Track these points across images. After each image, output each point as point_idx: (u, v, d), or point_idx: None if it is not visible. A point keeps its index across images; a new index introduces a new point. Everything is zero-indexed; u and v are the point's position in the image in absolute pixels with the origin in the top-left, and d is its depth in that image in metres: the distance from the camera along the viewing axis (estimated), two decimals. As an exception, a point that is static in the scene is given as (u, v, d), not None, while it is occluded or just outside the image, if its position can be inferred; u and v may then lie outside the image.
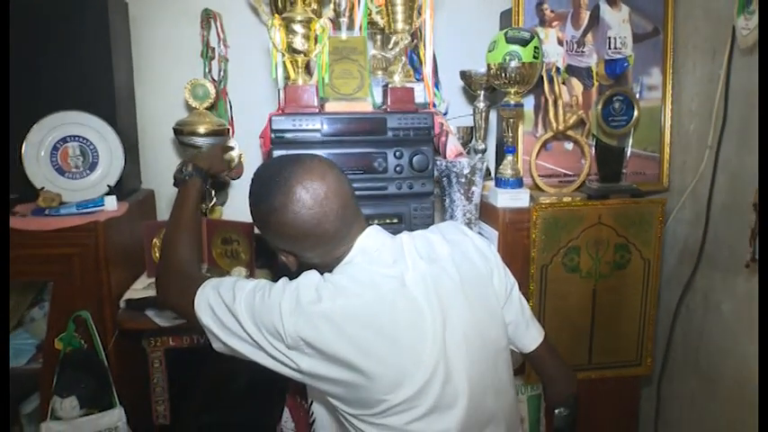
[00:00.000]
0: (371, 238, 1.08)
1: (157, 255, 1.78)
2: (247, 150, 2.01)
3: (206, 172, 1.38)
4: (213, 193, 1.88)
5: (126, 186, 1.77)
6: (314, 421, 1.17)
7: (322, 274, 1.05)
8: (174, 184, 1.38)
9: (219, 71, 2.00)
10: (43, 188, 1.66)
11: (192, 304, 1.06)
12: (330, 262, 1.08)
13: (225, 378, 1.95)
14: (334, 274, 1.05)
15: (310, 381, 1.02)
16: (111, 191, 1.69)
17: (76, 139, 1.69)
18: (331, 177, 1.06)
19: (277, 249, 1.12)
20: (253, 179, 1.12)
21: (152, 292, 1.64)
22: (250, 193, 1.10)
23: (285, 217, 1.02)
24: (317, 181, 1.03)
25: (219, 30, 1.97)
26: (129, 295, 1.64)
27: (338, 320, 0.97)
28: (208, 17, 1.95)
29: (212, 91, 1.80)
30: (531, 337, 1.26)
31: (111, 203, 1.64)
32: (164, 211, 2.05)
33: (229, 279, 1.08)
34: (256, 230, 1.75)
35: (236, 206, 2.01)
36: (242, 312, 1.00)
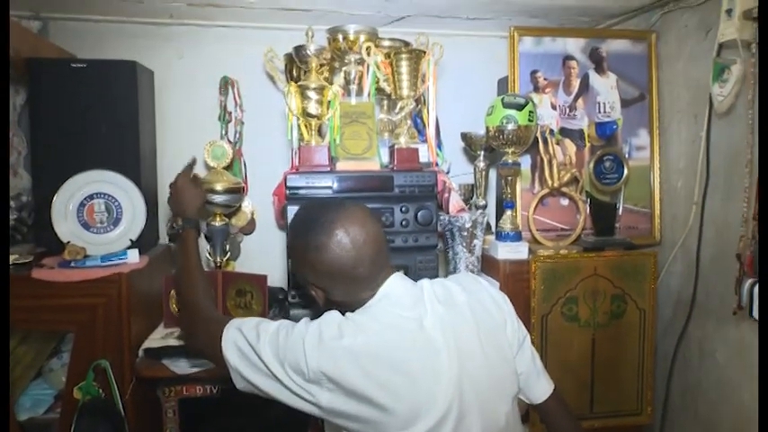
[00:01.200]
0: (395, 284, 1.14)
1: (174, 307, 1.86)
2: (260, 207, 2.13)
3: (193, 218, 1.49)
4: (227, 247, 1.97)
5: (146, 241, 1.86)
6: None
7: (344, 313, 1.11)
8: (170, 241, 1.50)
9: (235, 133, 2.13)
10: (69, 242, 1.75)
11: (219, 345, 1.13)
12: (355, 302, 1.14)
13: (237, 429, 1.98)
14: (356, 313, 1.11)
15: (328, 416, 1.06)
16: (133, 245, 1.78)
17: (102, 196, 1.79)
18: (370, 225, 1.14)
19: (308, 283, 1.19)
20: (296, 216, 1.23)
21: (170, 342, 1.71)
22: (291, 227, 1.21)
23: (323, 256, 1.10)
24: (357, 226, 1.11)
25: (236, 95, 2.12)
26: (147, 344, 1.69)
27: (359, 356, 1.03)
28: (226, 84, 2.10)
29: (229, 151, 1.93)
30: (542, 388, 1.27)
31: (134, 256, 1.72)
32: (179, 265, 2.13)
33: (252, 320, 1.15)
34: (270, 282, 1.84)
35: (250, 260, 2.10)
36: (266, 350, 1.06)
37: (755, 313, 1.53)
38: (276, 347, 1.07)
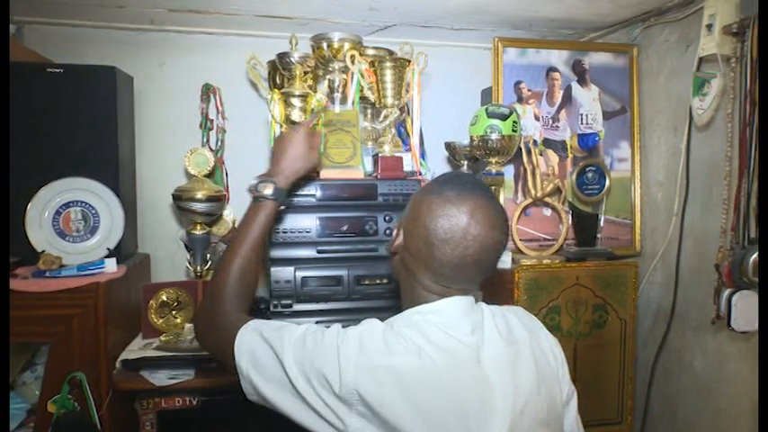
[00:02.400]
0: (459, 304, 0.98)
1: (153, 318, 1.82)
2: (241, 216, 2.09)
3: (286, 191, 1.27)
4: (208, 256, 1.94)
5: (124, 250, 1.82)
6: None
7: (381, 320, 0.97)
8: (249, 192, 1.26)
9: (217, 141, 2.10)
10: (44, 251, 1.70)
11: (231, 346, 0.98)
12: (413, 290, 1.00)
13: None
14: (404, 326, 0.95)
15: None
16: (111, 254, 1.74)
17: (79, 204, 1.75)
18: (497, 232, 0.97)
19: (401, 226, 1.03)
20: (445, 177, 1.04)
21: (148, 353, 1.68)
22: (435, 181, 1.03)
23: (438, 209, 0.95)
24: (487, 221, 0.95)
25: (219, 103, 2.10)
26: (125, 355, 1.66)
27: (406, 381, 0.87)
28: (208, 91, 2.07)
29: (210, 159, 1.90)
30: None
31: (111, 266, 1.68)
32: (159, 275, 2.10)
33: (275, 322, 1.01)
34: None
35: (230, 269, 2.07)
36: (288, 357, 0.91)
37: (733, 323, 1.55)
38: (302, 355, 0.91)
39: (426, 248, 0.95)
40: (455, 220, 0.93)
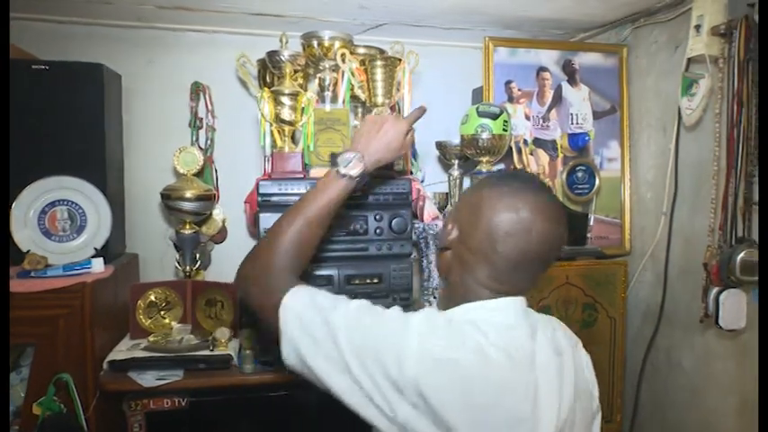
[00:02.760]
0: (517, 306, 0.96)
1: (141, 318, 1.80)
2: (232, 215, 2.09)
3: (368, 167, 1.15)
4: (197, 256, 1.93)
5: (111, 250, 1.80)
6: None
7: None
8: (332, 164, 1.18)
9: (207, 140, 2.09)
10: (29, 251, 1.68)
11: (277, 305, 0.93)
12: (467, 286, 0.96)
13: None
14: (464, 321, 0.92)
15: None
16: (98, 253, 1.72)
17: (65, 203, 1.73)
18: (560, 229, 0.95)
19: (455, 221, 0.99)
20: (504, 173, 1.05)
21: (136, 353, 1.66)
22: (494, 177, 1.02)
23: (499, 202, 0.93)
24: (550, 216, 0.93)
25: (208, 101, 2.08)
26: (112, 356, 1.64)
27: (465, 377, 0.84)
28: (197, 89, 2.05)
29: (200, 158, 1.89)
30: None
31: (98, 265, 1.66)
32: (147, 275, 2.08)
33: (326, 292, 0.97)
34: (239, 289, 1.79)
35: (220, 268, 2.05)
36: (342, 333, 0.87)
37: (721, 321, 1.56)
38: (358, 333, 0.87)
39: (489, 243, 0.93)
40: (520, 215, 0.91)
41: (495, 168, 1.84)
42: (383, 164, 1.21)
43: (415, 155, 1.99)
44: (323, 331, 0.89)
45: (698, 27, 1.64)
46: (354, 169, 1.12)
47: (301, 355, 0.91)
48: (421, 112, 1.32)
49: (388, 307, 0.97)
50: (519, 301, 0.96)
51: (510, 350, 0.89)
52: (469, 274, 0.96)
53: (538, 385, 0.89)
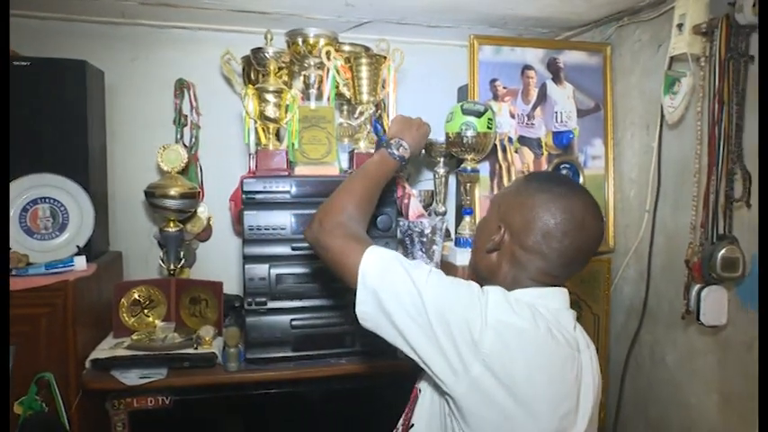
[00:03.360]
0: (564, 295, 1.04)
1: (124, 316, 1.79)
2: (217, 213, 2.08)
3: (410, 148, 1.33)
4: (182, 254, 1.92)
5: (94, 248, 1.79)
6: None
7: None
8: (383, 146, 1.31)
9: (191, 137, 2.08)
10: (11, 249, 1.66)
11: (359, 254, 0.98)
12: (516, 280, 1.03)
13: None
14: (523, 303, 0.97)
15: (467, 396, 0.91)
16: (81, 251, 1.71)
17: (48, 200, 1.72)
18: (602, 225, 1.06)
19: (502, 222, 1.05)
20: (546, 175, 1.20)
21: (119, 352, 1.65)
22: (537, 180, 1.08)
23: (555, 204, 1.00)
24: (598, 219, 1.04)
25: (193, 98, 2.07)
26: (95, 355, 1.62)
27: (538, 348, 0.92)
28: (182, 86, 2.04)
29: (184, 156, 1.88)
30: None
31: (81, 263, 1.65)
32: (131, 273, 2.06)
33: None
34: (226, 290, 1.78)
35: (204, 267, 2.05)
36: (425, 286, 0.93)
37: (702, 317, 1.58)
38: (443, 293, 0.93)
39: (546, 241, 1.00)
40: (575, 215, 1.00)
41: (479, 166, 1.85)
42: (412, 141, 1.35)
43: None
44: (407, 286, 0.93)
45: (680, 26, 1.65)
46: (406, 153, 1.31)
47: (384, 308, 0.94)
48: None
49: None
50: (565, 291, 1.05)
51: (563, 333, 0.96)
52: (521, 270, 1.03)
53: (582, 369, 0.97)
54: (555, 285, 1.03)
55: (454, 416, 0.94)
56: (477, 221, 1.16)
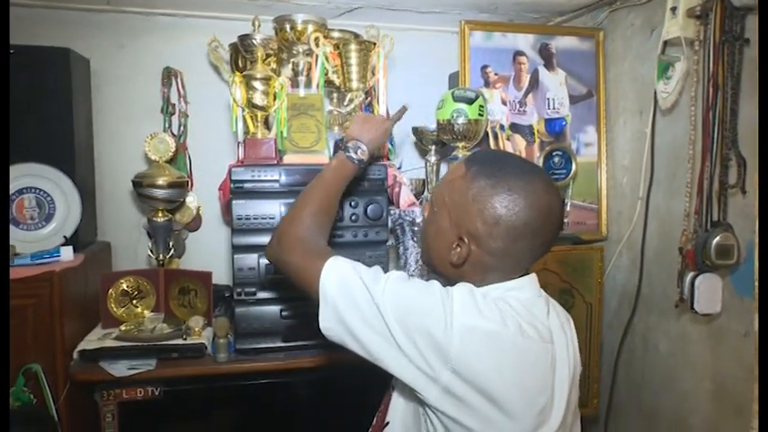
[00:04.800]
0: (534, 282, 0.99)
1: (113, 307, 1.78)
2: (206, 203, 2.06)
3: (368, 148, 1.28)
4: (171, 244, 1.90)
5: (82, 238, 1.77)
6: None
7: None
8: (341, 149, 1.27)
9: (179, 126, 2.05)
10: (-4, 240, 1.64)
11: (318, 269, 0.95)
12: (486, 279, 0.97)
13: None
14: (494, 297, 0.93)
15: (443, 400, 0.88)
16: (68, 242, 1.69)
17: (33, 190, 1.69)
18: (561, 205, 1.00)
19: (464, 236, 0.95)
20: (486, 153, 1.05)
21: (107, 343, 1.63)
22: (477, 161, 0.99)
23: (516, 201, 0.91)
24: (559, 198, 0.98)
25: (180, 87, 2.04)
26: (83, 346, 1.61)
27: (505, 348, 0.87)
28: (169, 75, 2.01)
29: (172, 145, 1.85)
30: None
31: (67, 254, 1.63)
32: (119, 264, 2.05)
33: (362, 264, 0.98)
34: (215, 280, 1.76)
35: (193, 257, 2.03)
36: (385, 297, 0.89)
37: (696, 305, 1.57)
38: (402, 302, 0.89)
39: (516, 243, 0.93)
40: (540, 207, 0.92)
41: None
42: (370, 140, 1.31)
43: (390, 140, 1.97)
44: (365, 298, 0.90)
45: (674, 9, 1.63)
46: (361, 155, 1.26)
47: (344, 321, 0.92)
48: (402, 111, 1.47)
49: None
50: (534, 278, 1.00)
51: (536, 325, 0.92)
52: (491, 272, 0.97)
53: (555, 358, 0.93)
54: (525, 275, 0.99)
55: (429, 418, 0.92)
56: (424, 220, 1.08)
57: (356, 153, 1.25)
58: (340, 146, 1.30)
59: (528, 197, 0.92)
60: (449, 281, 1.00)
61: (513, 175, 0.94)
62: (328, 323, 0.94)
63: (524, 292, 0.97)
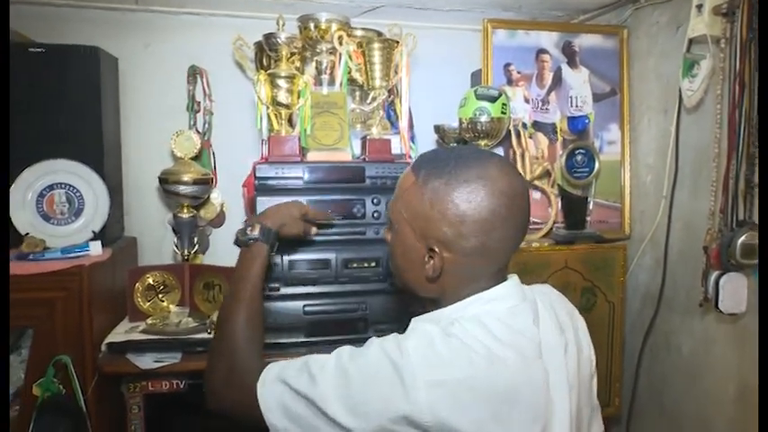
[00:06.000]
0: (515, 287, 0.92)
1: (139, 301, 1.81)
2: (229, 200, 2.08)
3: (275, 234, 1.20)
4: (195, 240, 1.92)
5: (109, 233, 1.80)
6: None
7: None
8: (236, 243, 1.20)
9: (204, 124, 2.08)
10: (28, 234, 1.68)
11: (255, 402, 0.88)
12: (461, 289, 0.90)
13: (204, 426, 1.94)
14: (464, 324, 0.84)
15: None
16: (96, 237, 1.72)
17: (63, 186, 1.73)
18: (525, 182, 0.93)
19: (436, 246, 0.88)
20: (430, 152, 0.97)
21: (134, 336, 1.67)
22: (423, 162, 0.92)
23: (473, 195, 0.84)
24: (525, 185, 0.91)
25: (205, 85, 2.07)
26: (110, 339, 1.64)
27: (482, 392, 0.79)
28: (194, 73, 2.04)
29: (197, 142, 1.88)
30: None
31: (96, 248, 1.66)
32: (145, 259, 2.08)
33: (296, 362, 0.89)
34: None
35: (219, 253, 2.06)
36: (333, 404, 0.81)
37: (721, 305, 1.55)
38: (345, 389, 0.81)
39: (487, 237, 0.86)
40: (501, 193, 0.85)
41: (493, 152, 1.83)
42: (288, 229, 1.27)
43: (413, 138, 1.98)
44: (311, 412, 0.83)
45: (699, 6, 1.61)
46: (253, 231, 1.17)
47: None
48: (323, 215, 1.49)
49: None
50: (514, 283, 0.92)
51: (519, 344, 0.84)
52: (472, 275, 0.90)
53: (547, 374, 0.85)
54: (503, 279, 0.91)
55: None
56: (388, 245, 1.00)
57: (250, 231, 1.17)
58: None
59: (486, 184, 0.85)
60: (434, 303, 0.94)
61: (465, 166, 0.87)
62: None
63: (505, 301, 0.89)
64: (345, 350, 0.87)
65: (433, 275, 0.89)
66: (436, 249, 0.88)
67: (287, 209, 1.31)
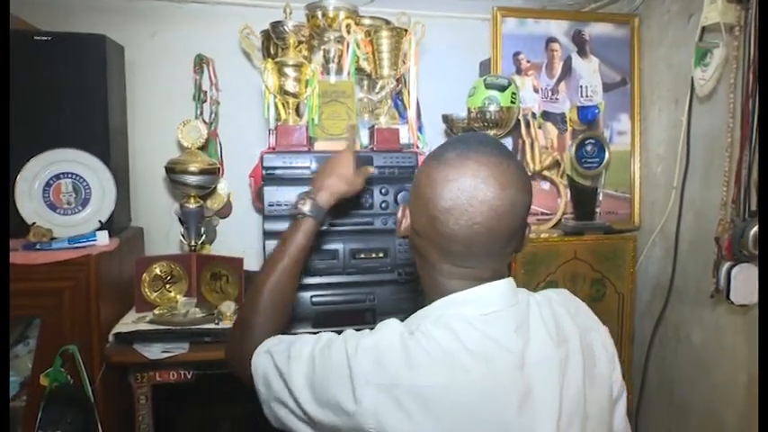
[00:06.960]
0: (499, 290, 0.83)
1: (146, 291, 1.80)
2: (237, 190, 2.08)
3: (323, 206, 1.17)
4: (202, 230, 1.92)
5: (116, 223, 1.80)
6: None
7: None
8: (288, 214, 1.19)
9: (211, 113, 2.07)
10: (34, 223, 1.68)
11: (249, 368, 0.92)
12: (433, 280, 0.86)
13: (212, 416, 1.94)
14: (429, 327, 0.79)
15: None
16: (103, 226, 1.72)
17: (70, 176, 1.72)
18: (512, 193, 0.80)
19: (408, 205, 0.89)
20: (451, 139, 0.91)
21: (141, 326, 1.66)
22: (440, 146, 0.88)
23: (446, 184, 0.79)
24: (498, 187, 0.79)
25: (212, 74, 2.05)
26: (118, 329, 1.64)
27: (436, 404, 0.73)
28: (201, 62, 2.03)
29: (204, 131, 1.87)
30: None
31: (103, 238, 1.66)
32: (152, 249, 2.08)
33: (288, 339, 0.91)
34: (246, 266, 1.78)
35: (226, 243, 2.05)
36: (298, 382, 0.82)
37: (732, 296, 1.54)
38: (312, 377, 0.81)
39: (429, 223, 0.81)
40: (457, 184, 0.78)
41: (502, 141, 1.81)
42: (343, 195, 1.22)
43: (421, 128, 1.96)
44: (282, 389, 0.85)
45: (713, -6, 1.59)
46: (305, 206, 1.14)
47: (277, 416, 0.88)
48: (351, 132, 1.49)
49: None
50: (504, 285, 0.84)
51: (488, 354, 0.76)
52: (429, 264, 0.86)
53: (529, 387, 0.77)
54: (484, 277, 0.83)
55: None
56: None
57: (304, 206, 1.14)
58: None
59: (447, 176, 0.80)
60: (426, 298, 0.90)
61: (454, 149, 0.82)
62: (269, 418, 0.91)
63: (483, 305, 0.81)
64: (326, 337, 0.86)
65: (398, 235, 0.91)
66: (401, 213, 0.90)
67: (346, 172, 1.24)
